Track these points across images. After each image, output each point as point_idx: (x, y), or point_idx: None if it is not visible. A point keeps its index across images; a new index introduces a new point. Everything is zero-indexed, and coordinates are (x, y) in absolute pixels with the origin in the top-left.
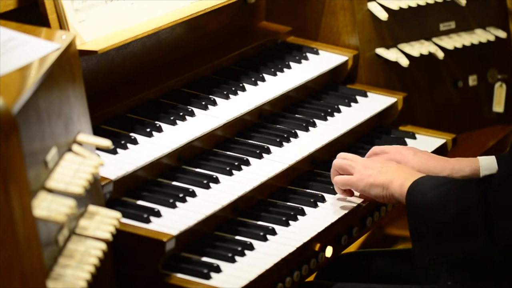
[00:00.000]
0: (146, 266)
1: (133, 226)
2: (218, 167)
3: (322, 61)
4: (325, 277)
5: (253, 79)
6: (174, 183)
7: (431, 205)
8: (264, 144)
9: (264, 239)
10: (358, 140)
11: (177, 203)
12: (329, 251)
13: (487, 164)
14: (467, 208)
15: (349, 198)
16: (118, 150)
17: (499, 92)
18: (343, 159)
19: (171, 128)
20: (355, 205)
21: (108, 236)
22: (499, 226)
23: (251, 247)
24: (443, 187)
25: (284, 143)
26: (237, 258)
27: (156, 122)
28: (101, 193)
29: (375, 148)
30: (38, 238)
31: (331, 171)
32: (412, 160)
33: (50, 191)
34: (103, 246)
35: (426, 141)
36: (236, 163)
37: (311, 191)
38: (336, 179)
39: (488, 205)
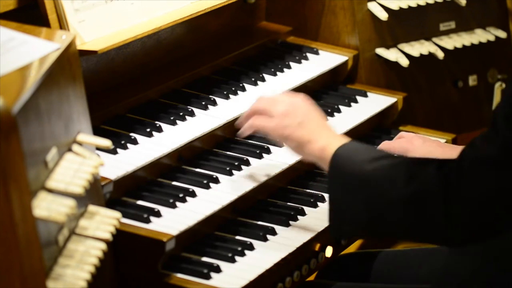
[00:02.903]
0: (146, 266)
1: (133, 226)
2: (218, 167)
3: (322, 61)
4: (325, 277)
5: (253, 79)
6: (174, 183)
7: (372, 177)
8: (264, 144)
9: (264, 239)
10: (358, 140)
11: (177, 203)
12: (329, 251)
13: None
14: (426, 190)
15: None
16: (118, 150)
17: (499, 92)
18: (264, 99)
19: (171, 128)
20: None
21: (108, 236)
22: (458, 211)
23: (251, 247)
24: (385, 161)
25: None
26: (237, 258)
27: (156, 122)
28: (101, 193)
29: (402, 133)
30: (38, 238)
31: (247, 114)
32: (420, 148)
33: (50, 191)
34: (103, 246)
35: None
36: (236, 163)
37: (311, 191)
38: (254, 122)
39: (449, 190)
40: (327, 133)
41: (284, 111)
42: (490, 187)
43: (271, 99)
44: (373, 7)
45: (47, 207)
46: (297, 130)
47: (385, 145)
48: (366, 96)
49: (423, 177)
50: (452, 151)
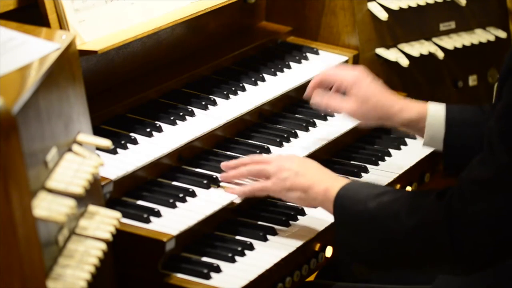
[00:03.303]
0: (146, 266)
1: (133, 226)
2: (218, 167)
3: (322, 61)
4: (325, 277)
5: (253, 79)
6: (174, 183)
7: (376, 214)
8: (264, 144)
9: (264, 239)
10: (358, 140)
11: (177, 203)
12: (329, 251)
13: (435, 112)
14: (429, 220)
15: None
16: (118, 150)
17: None
18: (255, 163)
19: (171, 128)
20: None
21: (108, 236)
22: (463, 238)
23: (251, 247)
24: (386, 196)
25: (284, 143)
26: (237, 258)
27: (156, 122)
28: (101, 193)
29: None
30: (38, 238)
31: (239, 174)
32: (367, 85)
33: (50, 191)
34: (103, 246)
35: None
36: None
37: None
38: (253, 188)
39: (452, 218)
40: (328, 176)
41: (279, 166)
42: (492, 211)
43: (262, 159)
44: (373, 7)
45: (47, 207)
46: (297, 179)
47: (328, 73)
48: None
49: (425, 207)
50: (395, 101)
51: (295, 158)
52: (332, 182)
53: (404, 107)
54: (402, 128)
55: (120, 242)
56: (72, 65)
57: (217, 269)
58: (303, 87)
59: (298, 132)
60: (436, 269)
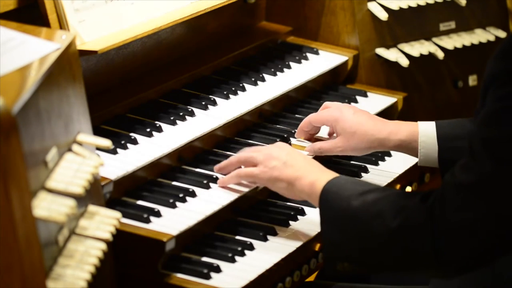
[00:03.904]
0: (146, 266)
1: (133, 226)
2: None
3: (322, 61)
4: (325, 277)
5: (253, 79)
6: (174, 183)
7: (359, 213)
8: (264, 145)
9: (264, 239)
10: None
11: (177, 203)
12: None
13: (425, 130)
14: (412, 224)
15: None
16: (118, 150)
17: None
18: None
19: (171, 128)
20: None
21: (108, 236)
22: (445, 242)
23: (251, 247)
24: (371, 195)
25: None
26: (237, 258)
27: (156, 122)
28: (101, 193)
29: (327, 103)
30: (38, 238)
31: (229, 163)
32: (351, 119)
33: (50, 191)
34: (103, 246)
35: None
36: None
37: None
38: (239, 172)
39: (434, 222)
40: (315, 168)
41: (268, 155)
42: (473, 216)
43: (252, 149)
44: (373, 7)
45: (47, 207)
46: (284, 170)
47: (314, 117)
48: (366, 96)
49: (409, 210)
50: (382, 126)
51: (285, 147)
52: (319, 175)
53: (394, 129)
54: (395, 150)
55: (120, 242)
56: (72, 65)
57: (217, 269)
58: (303, 87)
59: None
60: (417, 271)
